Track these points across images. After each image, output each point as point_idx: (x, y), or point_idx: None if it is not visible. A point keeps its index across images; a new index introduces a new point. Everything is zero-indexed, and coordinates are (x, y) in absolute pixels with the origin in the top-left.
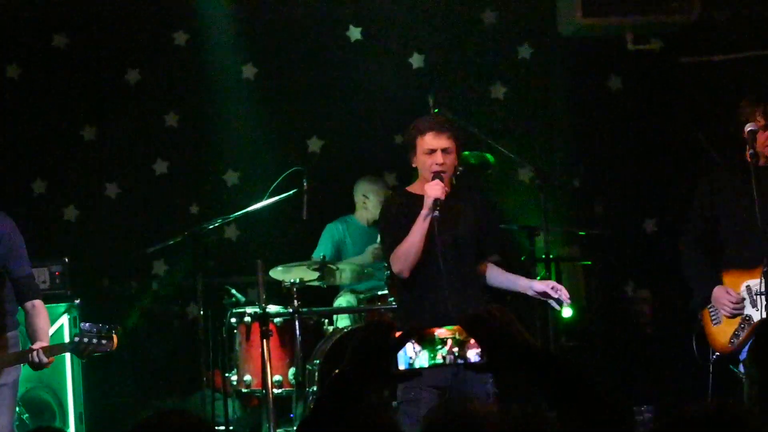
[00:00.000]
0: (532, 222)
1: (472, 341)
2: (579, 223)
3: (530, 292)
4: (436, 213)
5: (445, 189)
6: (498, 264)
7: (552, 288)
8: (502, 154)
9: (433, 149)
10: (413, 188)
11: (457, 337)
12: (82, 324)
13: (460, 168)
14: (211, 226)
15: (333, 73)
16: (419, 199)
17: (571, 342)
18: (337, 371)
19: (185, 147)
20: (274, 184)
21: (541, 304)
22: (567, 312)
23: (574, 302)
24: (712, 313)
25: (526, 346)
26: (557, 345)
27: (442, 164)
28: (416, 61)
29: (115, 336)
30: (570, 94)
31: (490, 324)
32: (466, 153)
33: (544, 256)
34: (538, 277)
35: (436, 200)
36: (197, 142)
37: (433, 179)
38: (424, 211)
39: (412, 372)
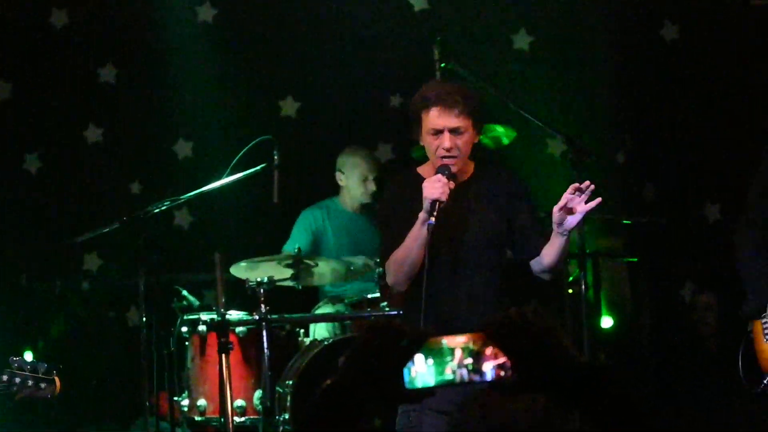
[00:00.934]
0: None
1: (490, 351)
2: (623, 210)
3: (558, 233)
4: (432, 220)
5: (450, 184)
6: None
7: (572, 193)
8: (526, 120)
9: (438, 129)
10: (424, 170)
11: (471, 346)
12: (11, 359)
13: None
14: (156, 210)
15: (313, 17)
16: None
17: (611, 359)
18: (328, 382)
19: (125, 109)
20: (237, 157)
21: (573, 311)
22: (607, 321)
23: (617, 309)
24: (767, 326)
25: (570, 361)
26: (594, 362)
27: (449, 149)
28: (418, 2)
29: (57, 379)
30: (613, 46)
31: (523, 331)
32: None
33: (578, 251)
34: (570, 278)
35: (434, 202)
36: (140, 103)
37: (437, 171)
38: (422, 215)
39: (425, 391)
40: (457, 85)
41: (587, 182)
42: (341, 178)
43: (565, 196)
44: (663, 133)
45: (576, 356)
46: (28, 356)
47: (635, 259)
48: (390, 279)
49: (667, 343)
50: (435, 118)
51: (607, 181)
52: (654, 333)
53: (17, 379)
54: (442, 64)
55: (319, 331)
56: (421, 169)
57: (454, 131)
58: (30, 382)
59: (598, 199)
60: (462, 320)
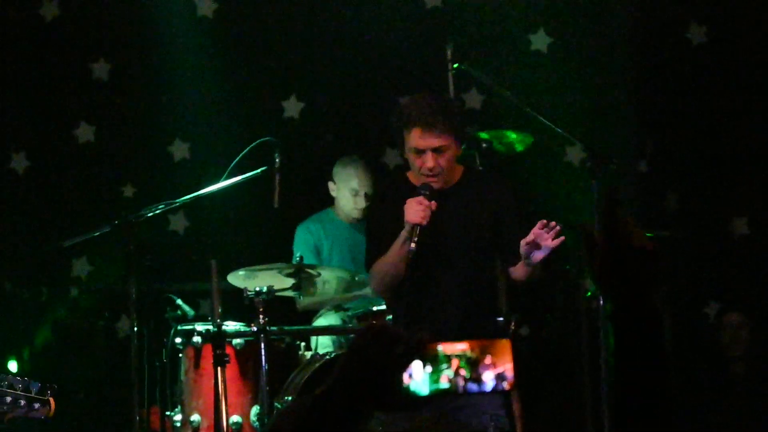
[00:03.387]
0: (581, 218)
1: (488, 361)
2: (645, 222)
3: (525, 258)
4: (413, 246)
5: (432, 205)
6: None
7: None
8: (543, 126)
9: (420, 150)
10: (414, 176)
11: (469, 354)
12: (0, 375)
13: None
14: (150, 214)
15: (320, 12)
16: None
17: None
18: (322, 388)
19: (118, 107)
20: (236, 160)
21: (590, 327)
22: None
23: None
24: None
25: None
26: (611, 379)
27: (432, 168)
28: None
29: (52, 399)
30: (636, 49)
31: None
32: (484, 135)
33: None
34: (588, 293)
35: (415, 226)
36: (134, 102)
37: (419, 187)
38: (403, 233)
39: (421, 399)
40: (438, 102)
41: (554, 222)
42: (333, 189)
43: (534, 232)
44: (687, 142)
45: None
46: (13, 366)
47: None
48: (373, 286)
49: (690, 364)
50: (417, 138)
51: (628, 191)
52: (677, 354)
53: (8, 399)
54: (455, 65)
55: (322, 341)
56: (411, 175)
57: (436, 150)
58: (22, 402)
59: (562, 238)
60: (445, 326)
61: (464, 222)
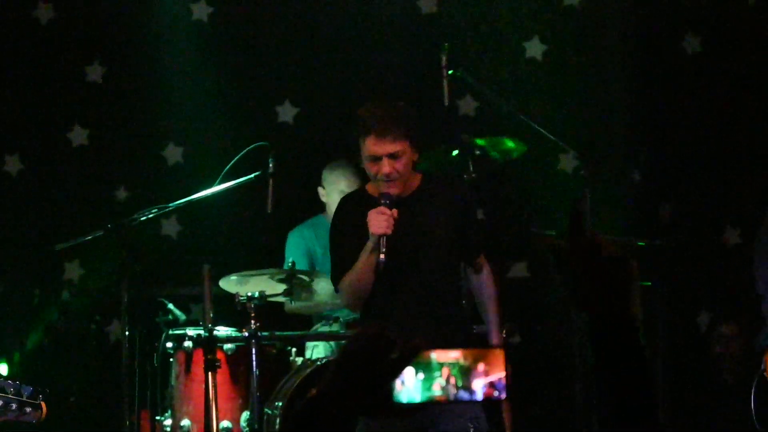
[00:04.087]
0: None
1: (480, 369)
2: (638, 231)
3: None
4: (382, 257)
5: (394, 213)
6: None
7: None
8: (537, 134)
9: (376, 156)
10: (372, 188)
11: (461, 362)
12: None
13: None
14: (143, 218)
15: (315, 17)
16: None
17: None
18: (313, 392)
19: (112, 110)
20: (230, 164)
21: (583, 336)
22: None
23: None
24: None
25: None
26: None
27: (388, 174)
28: (426, 4)
29: (43, 404)
30: (631, 58)
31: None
32: (481, 141)
33: None
34: None
35: (380, 237)
36: (128, 105)
37: (379, 197)
38: (369, 244)
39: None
40: (391, 109)
41: None
42: (323, 194)
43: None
44: (682, 151)
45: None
46: (3, 369)
47: (648, 284)
48: (344, 301)
49: (682, 376)
50: (372, 145)
51: (621, 199)
52: (669, 365)
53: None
54: (450, 72)
55: (317, 350)
56: (370, 187)
57: (392, 156)
58: (13, 406)
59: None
60: (415, 333)
61: (426, 228)
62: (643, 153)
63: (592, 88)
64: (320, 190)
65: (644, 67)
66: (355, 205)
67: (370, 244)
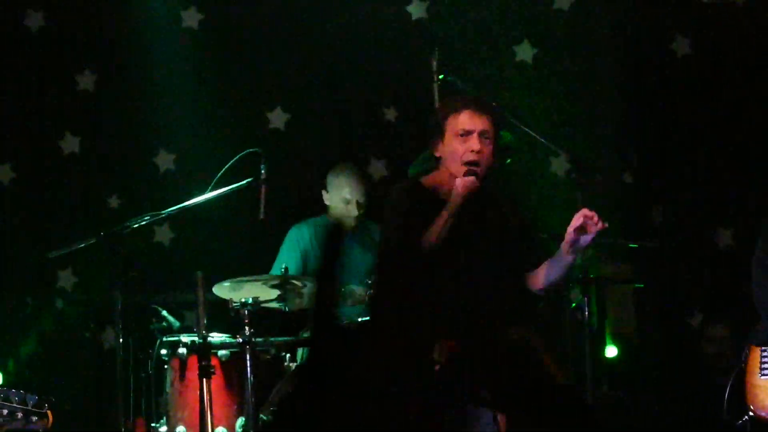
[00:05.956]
0: (566, 229)
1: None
2: (630, 233)
3: (568, 252)
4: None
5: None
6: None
7: (582, 219)
8: (528, 136)
9: (468, 131)
10: (429, 181)
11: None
12: None
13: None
14: (135, 225)
15: (304, 24)
16: (438, 200)
17: (616, 391)
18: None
19: (103, 118)
20: (222, 171)
21: (574, 335)
22: (611, 351)
23: (622, 338)
24: (765, 359)
25: (547, 382)
26: (598, 395)
27: (479, 152)
28: (416, 9)
29: (50, 413)
30: (621, 60)
31: (502, 347)
32: None
33: (581, 276)
34: (573, 305)
35: (465, 196)
36: (119, 112)
37: (465, 175)
38: (452, 204)
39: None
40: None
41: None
42: (326, 198)
43: (582, 214)
44: (673, 153)
45: (556, 377)
46: None
47: (641, 285)
48: (426, 245)
49: (673, 376)
50: (467, 119)
51: (612, 201)
52: (660, 365)
53: (5, 411)
54: (440, 76)
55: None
56: (427, 181)
57: (483, 134)
58: (19, 415)
59: (607, 224)
60: (467, 325)
61: (492, 224)
62: (635, 155)
63: (582, 90)
64: (324, 193)
65: (634, 69)
66: (419, 195)
67: (452, 206)
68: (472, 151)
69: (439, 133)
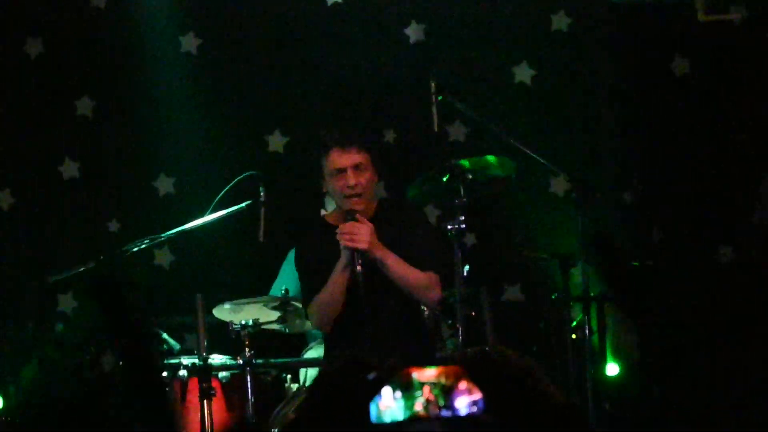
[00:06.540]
0: (566, 249)
1: (462, 387)
2: (630, 252)
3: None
4: (359, 269)
5: (369, 225)
6: None
7: None
8: (528, 157)
9: (340, 169)
10: (333, 217)
11: (442, 381)
12: None
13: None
14: (135, 249)
15: (303, 47)
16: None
17: (616, 410)
18: (291, 418)
19: (102, 143)
20: (221, 194)
21: (576, 357)
22: (613, 369)
23: (623, 356)
24: None
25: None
26: (599, 413)
27: (354, 185)
28: (414, 32)
29: None
30: (620, 80)
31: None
32: (491, 158)
33: (582, 294)
34: (574, 323)
35: (354, 252)
36: (118, 137)
37: (346, 215)
38: (341, 261)
39: (393, 427)
40: (350, 126)
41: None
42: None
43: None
44: (672, 171)
45: (554, 396)
46: None
47: (643, 302)
48: (314, 322)
49: (676, 393)
50: (336, 158)
51: (613, 221)
52: (663, 383)
53: None
54: (439, 98)
55: (311, 374)
56: (329, 217)
57: (356, 167)
58: None
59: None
60: (384, 351)
61: (388, 248)
62: (634, 175)
63: (581, 111)
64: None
65: (633, 89)
66: (318, 234)
67: (343, 260)
68: (349, 186)
69: (319, 172)
